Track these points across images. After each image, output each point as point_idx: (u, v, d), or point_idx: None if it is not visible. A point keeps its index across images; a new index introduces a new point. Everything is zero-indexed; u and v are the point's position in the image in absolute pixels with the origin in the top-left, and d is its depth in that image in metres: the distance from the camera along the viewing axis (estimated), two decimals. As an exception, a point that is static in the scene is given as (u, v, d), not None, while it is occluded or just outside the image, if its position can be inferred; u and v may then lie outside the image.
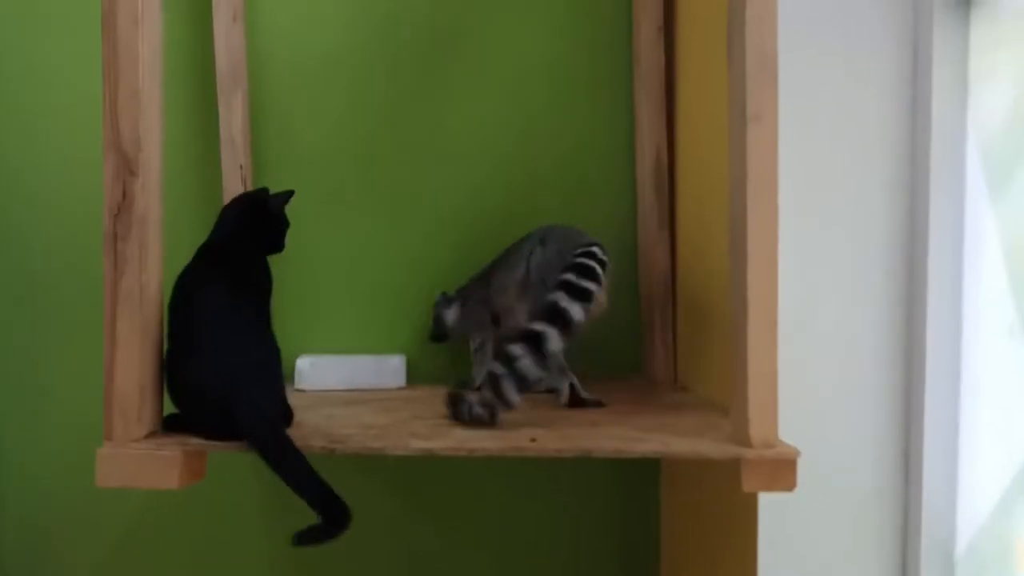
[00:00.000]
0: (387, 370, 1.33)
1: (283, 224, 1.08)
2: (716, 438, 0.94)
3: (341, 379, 1.31)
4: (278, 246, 1.07)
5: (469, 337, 1.33)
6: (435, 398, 1.22)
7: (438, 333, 1.35)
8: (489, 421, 0.98)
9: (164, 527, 1.41)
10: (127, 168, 0.85)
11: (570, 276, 1.06)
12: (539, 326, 1.00)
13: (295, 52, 1.41)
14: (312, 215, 1.39)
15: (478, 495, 1.44)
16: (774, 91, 0.90)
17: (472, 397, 1.01)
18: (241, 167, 1.33)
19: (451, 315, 1.34)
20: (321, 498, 0.84)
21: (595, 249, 1.11)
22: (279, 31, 1.41)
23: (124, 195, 0.85)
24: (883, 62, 1.04)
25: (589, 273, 1.07)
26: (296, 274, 1.39)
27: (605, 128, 1.43)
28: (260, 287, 1.01)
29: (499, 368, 0.98)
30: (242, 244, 1.02)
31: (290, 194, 1.10)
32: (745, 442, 0.89)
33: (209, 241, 1.02)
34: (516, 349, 0.98)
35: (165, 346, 0.93)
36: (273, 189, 1.36)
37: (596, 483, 1.43)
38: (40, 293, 1.41)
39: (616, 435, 0.96)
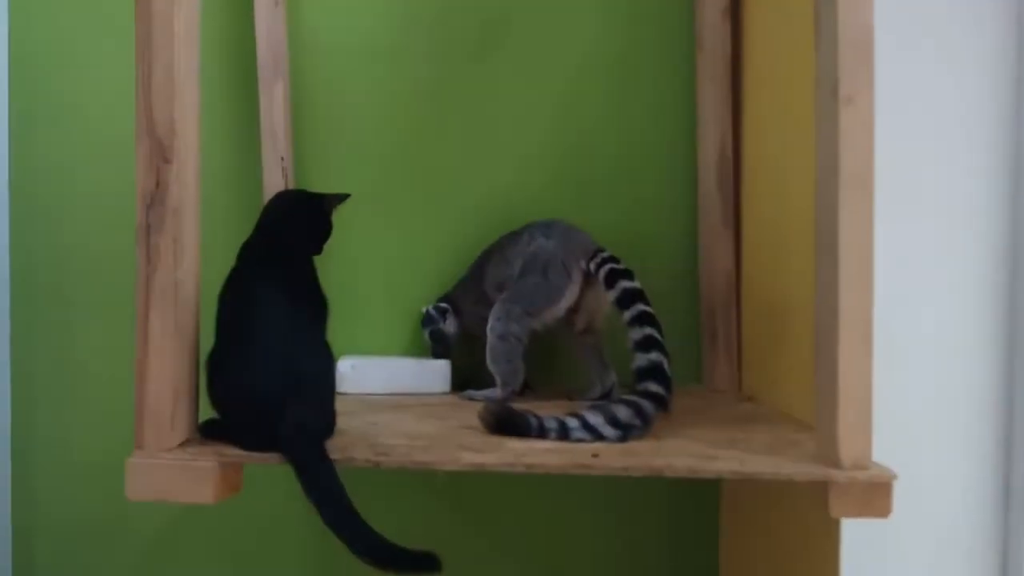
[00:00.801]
0: (431, 374, 1.26)
1: (331, 227, 1.02)
2: (798, 457, 0.85)
3: (383, 382, 1.24)
4: (321, 249, 1.01)
5: (474, 341, 1.23)
6: (480, 405, 1.16)
7: (440, 350, 1.28)
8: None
9: (198, 541, 1.36)
10: (161, 154, 0.79)
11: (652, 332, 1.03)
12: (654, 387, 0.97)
13: (339, 39, 1.34)
14: (355, 210, 1.31)
15: (519, 510, 1.36)
16: (870, 70, 0.81)
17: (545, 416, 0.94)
18: (282, 159, 1.27)
19: (450, 327, 1.27)
20: (352, 535, 0.76)
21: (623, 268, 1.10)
22: (322, 17, 1.35)
23: (157, 184, 0.79)
24: (984, 40, 0.93)
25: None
26: (338, 272, 1.32)
27: (664, 118, 1.34)
28: (317, 292, 0.95)
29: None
30: (296, 245, 0.96)
31: (345, 196, 1.05)
32: (834, 462, 0.80)
33: (260, 238, 0.96)
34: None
35: (202, 346, 0.87)
36: (315, 183, 1.32)
37: (649, 500, 1.33)
38: (75, 289, 1.37)
39: (686, 451, 0.87)
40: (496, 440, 0.90)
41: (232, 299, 0.87)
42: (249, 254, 0.92)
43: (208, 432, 0.87)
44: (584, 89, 1.35)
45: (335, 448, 0.83)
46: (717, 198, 1.26)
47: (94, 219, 1.35)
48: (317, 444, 0.80)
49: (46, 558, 1.37)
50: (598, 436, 0.91)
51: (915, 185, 0.92)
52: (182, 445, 0.83)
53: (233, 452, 0.82)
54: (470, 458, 0.81)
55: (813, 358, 0.85)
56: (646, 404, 0.94)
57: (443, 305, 1.27)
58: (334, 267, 1.31)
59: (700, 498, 1.33)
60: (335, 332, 1.29)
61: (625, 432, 0.91)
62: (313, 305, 0.91)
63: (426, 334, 1.28)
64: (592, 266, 1.12)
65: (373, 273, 1.34)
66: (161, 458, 0.79)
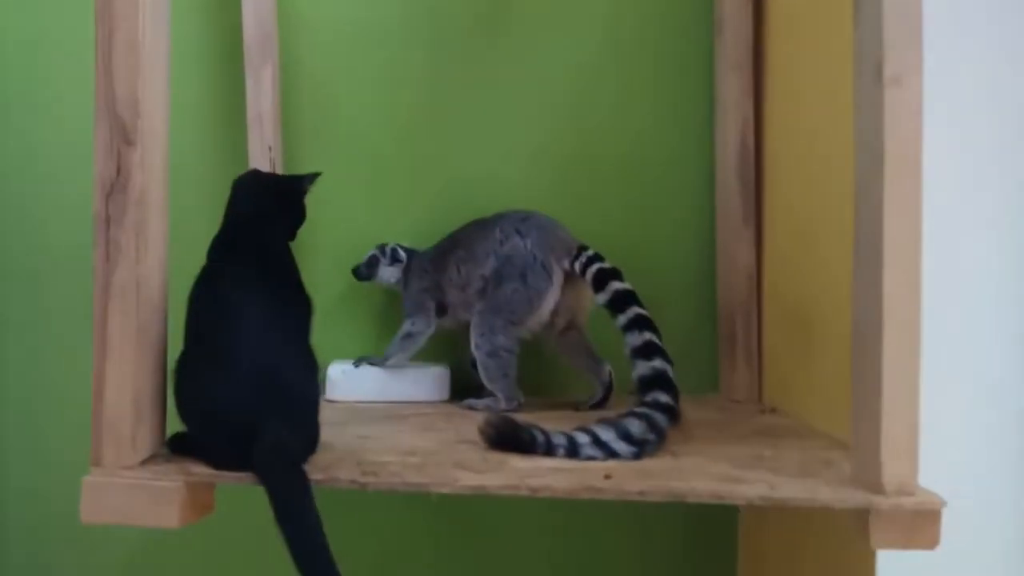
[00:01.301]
0: (428, 381, 1.17)
1: (304, 211, 0.94)
2: (833, 480, 0.77)
3: (377, 390, 1.16)
4: (294, 235, 0.93)
5: (457, 339, 1.17)
6: (481, 415, 1.07)
7: (364, 275, 1.19)
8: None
9: (169, 564, 1.27)
10: (122, 136, 0.70)
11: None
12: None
13: (331, 21, 1.26)
14: (346, 201, 1.25)
15: (522, 530, 1.26)
16: (918, 47, 0.72)
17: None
18: (270, 149, 1.18)
19: (388, 276, 1.19)
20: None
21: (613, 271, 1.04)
22: (313, -2, 1.26)
23: (118, 170, 0.70)
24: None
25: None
26: (328, 268, 1.24)
27: (680, 107, 1.25)
28: (297, 288, 0.86)
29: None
30: (268, 233, 0.87)
31: (316, 176, 0.97)
32: (876, 488, 0.72)
33: (227, 229, 0.87)
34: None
35: (171, 353, 0.78)
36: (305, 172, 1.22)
37: (661, 520, 1.24)
38: (49, 285, 1.28)
39: (708, 472, 0.78)
40: (498, 458, 0.81)
41: (200, 298, 0.78)
42: (218, 248, 0.83)
43: (177, 448, 0.78)
44: (593, 77, 1.26)
45: (318, 467, 0.75)
46: (737, 193, 1.17)
47: (69, 212, 1.26)
48: (294, 466, 0.71)
49: (19, 564, 1.29)
50: (610, 453, 0.83)
51: (968, 176, 0.83)
52: (145, 462, 0.74)
53: (202, 471, 0.73)
54: (468, 479, 0.73)
55: (843, 367, 0.77)
56: (659, 417, 0.86)
57: (402, 254, 1.18)
58: (323, 263, 1.24)
59: (716, 520, 1.23)
60: (324, 335, 1.19)
61: (640, 448, 0.84)
62: (293, 304, 0.82)
63: (366, 258, 1.19)
64: (577, 266, 1.06)
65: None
66: (121, 476, 0.71)
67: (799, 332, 1.07)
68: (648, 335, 0.96)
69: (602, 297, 1.02)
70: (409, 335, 1.15)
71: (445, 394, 1.17)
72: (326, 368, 1.16)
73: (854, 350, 0.76)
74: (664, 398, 0.89)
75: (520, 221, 1.11)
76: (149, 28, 0.71)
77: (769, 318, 1.17)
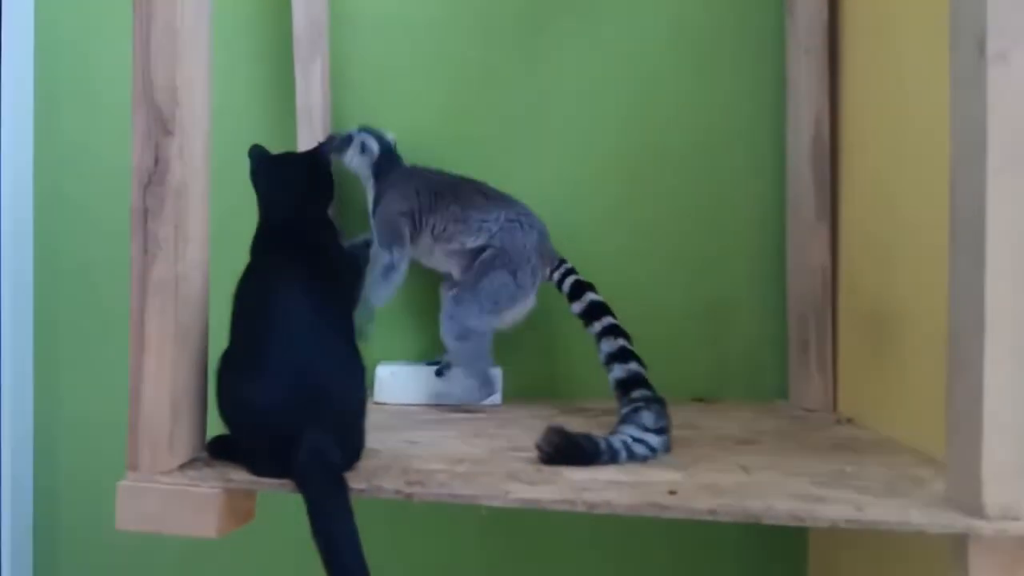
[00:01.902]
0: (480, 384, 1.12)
1: (332, 180, 0.89)
2: (925, 500, 0.69)
3: (426, 392, 1.12)
4: (326, 207, 0.88)
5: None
6: (535, 420, 1.02)
7: (332, 147, 1.05)
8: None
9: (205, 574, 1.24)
10: (160, 126, 0.67)
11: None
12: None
13: (381, 13, 1.22)
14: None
15: (575, 544, 1.20)
16: (1026, 20, 0.63)
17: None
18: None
19: (356, 165, 1.13)
20: None
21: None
22: (366, -12, 1.23)
23: (156, 160, 0.67)
24: None
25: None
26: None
27: (747, 93, 1.18)
28: (345, 275, 0.85)
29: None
30: (315, 216, 0.84)
31: (331, 140, 0.95)
32: (976, 510, 0.64)
33: (272, 214, 0.83)
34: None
35: (213, 352, 0.75)
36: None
37: (723, 538, 1.16)
38: (95, 285, 1.28)
39: (785, 490, 0.71)
40: (552, 471, 0.75)
41: (240, 294, 0.75)
42: (257, 240, 0.80)
43: (216, 451, 0.75)
44: (657, 65, 1.19)
45: (362, 475, 0.70)
46: (811, 185, 1.09)
47: (119, 205, 1.26)
48: (334, 476, 0.67)
49: (69, 567, 1.29)
50: (649, 448, 0.83)
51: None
52: (183, 467, 0.71)
53: (242, 477, 0.69)
54: (520, 492, 0.68)
55: (930, 373, 0.70)
56: (658, 407, 0.89)
57: (374, 148, 1.12)
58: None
59: (784, 538, 1.15)
60: (375, 334, 1.19)
61: (666, 436, 0.86)
62: (336, 300, 0.78)
63: (345, 134, 1.12)
64: (556, 275, 1.07)
65: (415, 270, 1.21)
66: (157, 482, 0.68)
67: (879, 335, 0.98)
68: (622, 341, 0.99)
69: (577, 307, 1.04)
70: (391, 267, 1.08)
71: (497, 397, 1.12)
72: (374, 369, 1.12)
73: (949, 356, 0.68)
74: (649, 393, 0.92)
75: (526, 215, 1.08)
76: (189, 14, 0.68)
77: (844, 320, 1.09)
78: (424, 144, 1.21)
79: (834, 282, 1.10)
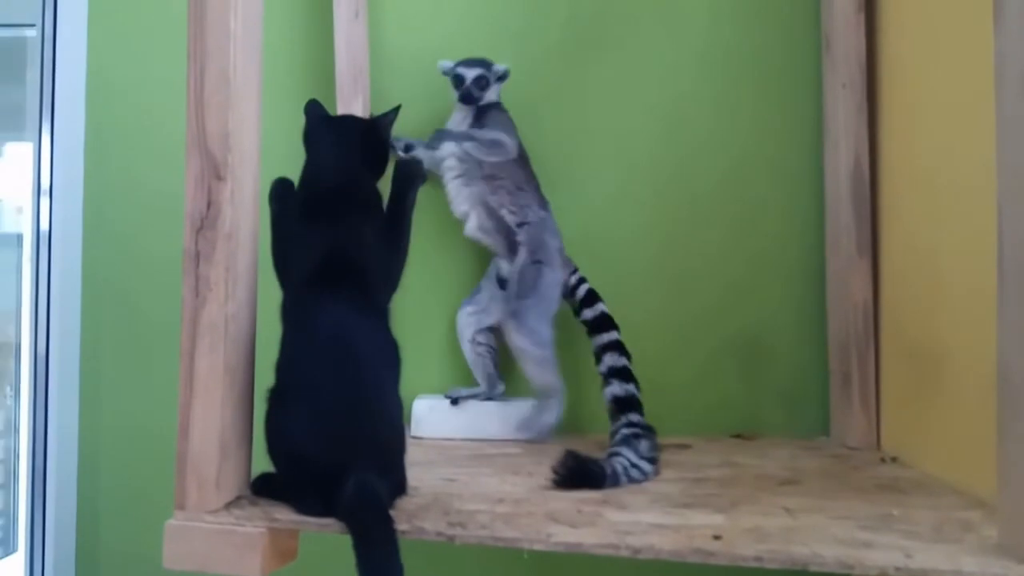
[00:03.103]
0: (517, 417, 1.12)
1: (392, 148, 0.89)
2: (977, 547, 0.67)
3: (464, 427, 1.12)
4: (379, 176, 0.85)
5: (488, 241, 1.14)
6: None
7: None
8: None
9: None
10: (213, 171, 0.69)
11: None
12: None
13: (422, 52, 1.24)
14: (436, 232, 1.22)
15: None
16: (1074, 55, 0.63)
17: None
18: (359, 180, 1.17)
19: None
20: None
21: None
22: (405, 29, 1.26)
23: (209, 205, 0.69)
24: None
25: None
26: (415, 302, 1.21)
27: (785, 127, 1.18)
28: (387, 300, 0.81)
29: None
30: (363, 189, 0.81)
31: (395, 112, 0.87)
32: (1027, 558, 0.62)
33: (318, 180, 0.80)
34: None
35: (259, 392, 0.76)
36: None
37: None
38: (147, 309, 1.30)
39: (830, 535, 0.70)
40: (592, 510, 0.75)
41: (286, 327, 0.75)
42: (297, 212, 0.78)
43: (261, 489, 0.76)
44: (692, 96, 1.20)
45: (403, 515, 0.71)
46: (851, 220, 1.08)
47: (168, 236, 1.29)
48: (383, 515, 0.67)
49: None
50: (643, 472, 0.89)
51: None
52: (228, 506, 0.72)
53: (286, 516, 0.70)
54: (562, 536, 0.67)
55: (978, 411, 0.68)
56: (652, 437, 0.96)
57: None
58: (412, 296, 1.21)
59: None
60: (412, 368, 1.19)
61: (656, 464, 0.92)
62: (382, 331, 0.77)
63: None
64: (573, 279, 1.11)
65: (453, 302, 1.22)
66: (203, 521, 0.69)
67: (923, 371, 0.96)
68: (625, 360, 1.03)
69: (589, 313, 1.07)
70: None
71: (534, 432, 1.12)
72: (411, 403, 1.13)
73: (1000, 396, 0.67)
74: (642, 419, 0.99)
75: (552, 220, 1.12)
76: (240, 62, 0.70)
77: (887, 355, 1.07)
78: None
79: (876, 317, 1.09)
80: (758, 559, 0.64)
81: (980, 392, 0.80)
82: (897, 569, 0.63)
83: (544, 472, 0.92)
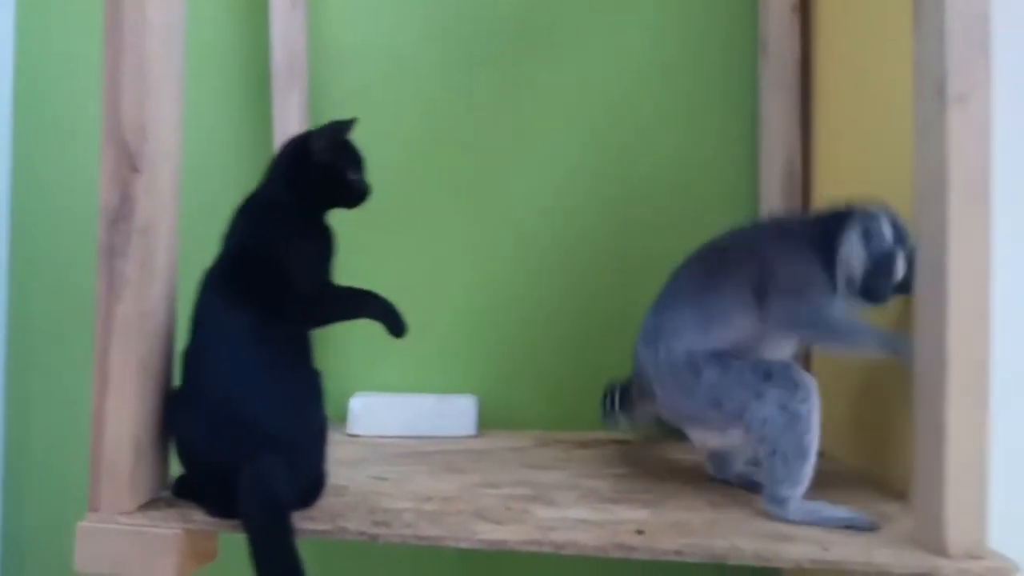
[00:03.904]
0: (455, 414, 1.12)
1: (340, 166, 0.78)
2: (892, 539, 0.69)
3: (400, 424, 1.11)
4: (346, 196, 0.79)
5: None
6: (511, 451, 1.02)
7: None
8: None
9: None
10: (128, 163, 0.67)
11: None
12: None
13: (362, 44, 1.23)
14: (375, 229, 1.21)
15: None
16: (985, 62, 0.66)
17: None
18: (295, 174, 1.15)
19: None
20: None
21: None
22: (344, 20, 1.23)
23: (123, 198, 0.67)
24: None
25: None
26: (353, 298, 1.20)
27: (721, 130, 1.19)
28: (305, 272, 0.75)
29: None
30: (281, 212, 0.75)
31: (346, 125, 0.81)
32: (940, 550, 0.65)
33: (239, 212, 0.77)
34: None
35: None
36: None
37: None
38: (72, 313, 1.26)
39: (751, 528, 0.71)
40: (521, 508, 0.75)
41: (193, 319, 0.72)
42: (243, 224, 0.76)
43: (182, 491, 0.74)
44: (629, 97, 1.21)
45: (326, 515, 0.70)
46: (782, 219, 1.10)
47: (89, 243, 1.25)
48: (276, 512, 0.64)
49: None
50: None
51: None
52: (144, 508, 0.70)
53: (203, 518, 0.68)
54: (487, 533, 0.67)
55: (898, 407, 0.70)
56: None
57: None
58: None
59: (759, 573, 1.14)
60: (347, 365, 1.18)
61: None
62: (291, 320, 0.71)
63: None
64: None
65: (393, 298, 1.20)
66: (116, 523, 0.67)
67: (847, 368, 0.99)
68: None
69: None
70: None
71: (471, 428, 1.12)
72: (348, 401, 1.12)
73: (915, 394, 0.69)
74: None
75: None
76: (159, 51, 0.68)
77: (817, 353, 1.09)
78: (399, 174, 1.22)
79: (807, 315, 1.10)
80: (678, 553, 0.65)
81: (900, 387, 0.82)
82: (812, 561, 0.65)
83: (481, 469, 0.92)
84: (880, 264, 0.80)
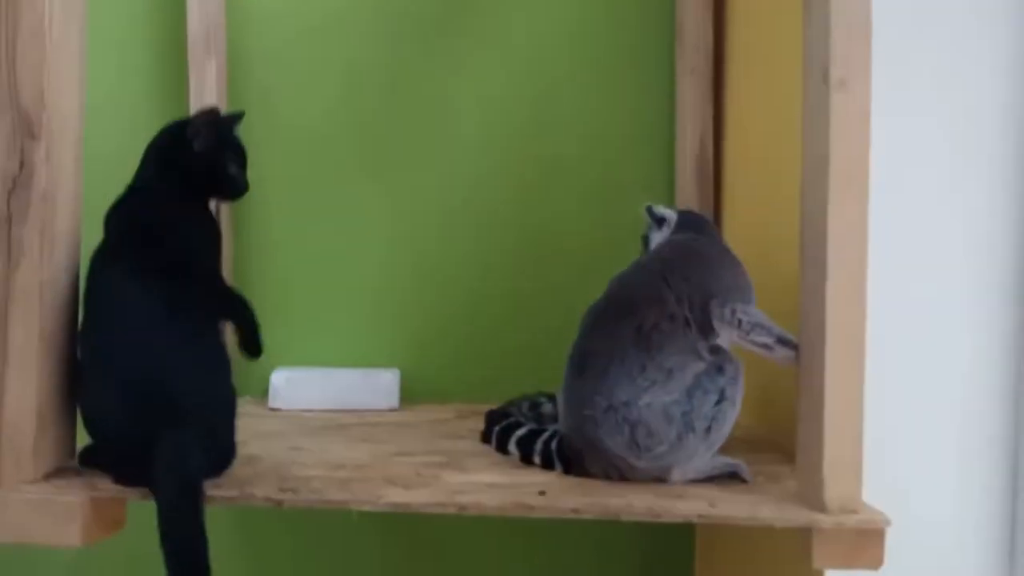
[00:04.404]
0: (377, 387, 1.14)
1: (221, 159, 0.79)
2: (778, 497, 0.74)
3: (323, 397, 1.12)
4: (225, 190, 0.81)
5: None
6: (432, 423, 1.04)
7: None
8: None
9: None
10: (26, 130, 0.66)
11: None
12: None
13: (281, 13, 1.22)
14: (295, 204, 1.21)
15: (470, 549, 1.21)
16: (866, 50, 0.70)
17: None
18: (214, 147, 1.14)
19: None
20: None
21: None
22: (264, -12, 1.22)
23: (21, 165, 0.66)
24: (996, 17, 0.82)
25: None
26: (275, 272, 1.20)
27: (638, 111, 1.22)
28: (198, 254, 0.76)
29: None
30: (164, 196, 0.76)
31: (232, 117, 0.84)
32: (818, 506, 0.69)
33: (122, 199, 0.77)
34: None
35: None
36: (250, 172, 1.18)
37: (615, 543, 1.21)
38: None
39: (647, 488, 0.75)
40: (431, 474, 0.77)
41: (86, 293, 0.72)
42: (118, 215, 0.75)
43: (87, 460, 0.73)
44: (551, 77, 1.23)
45: (235, 482, 0.71)
46: (695, 199, 1.15)
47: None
48: (191, 488, 0.66)
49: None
50: None
51: (916, 182, 0.81)
52: (48, 476, 0.70)
53: (108, 486, 0.69)
54: (392, 496, 0.69)
55: (793, 372, 0.74)
56: None
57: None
58: (272, 265, 1.20)
59: (673, 533, 1.20)
60: (271, 339, 1.17)
61: None
62: (196, 295, 0.73)
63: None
64: None
65: (313, 272, 1.21)
66: (20, 492, 0.66)
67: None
68: None
69: None
70: None
71: (394, 401, 1.13)
72: (270, 376, 1.12)
73: (799, 362, 0.74)
74: None
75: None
76: (58, 18, 0.67)
77: (725, 326, 1.14)
78: (321, 146, 1.22)
79: (716, 290, 1.15)
80: (575, 511, 0.68)
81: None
82: (700, 516, 0.69)
83: (399, 440, 0.94)
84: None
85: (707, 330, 0.79)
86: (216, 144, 0.78)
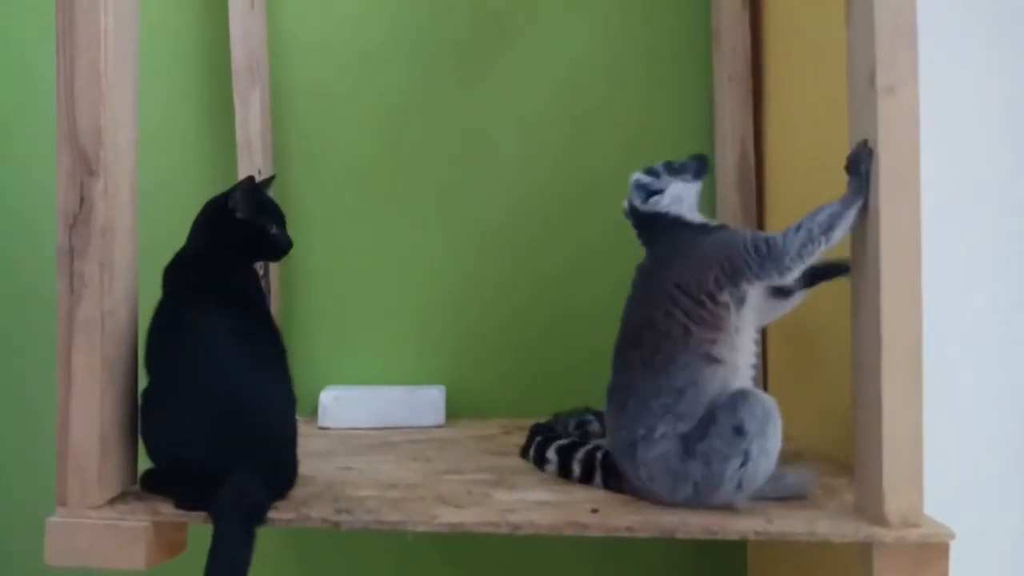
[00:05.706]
0: (423, 404, 1.14)
1: (258, 224, 0.82)
2: (836, 510, 0.72)
3: (370, 415, 1.13)
4: (269, 250, 0.85)
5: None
6: (477, 439, 1.04)
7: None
8: None
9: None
10: (85, 167, 0.68)
11: None
12: None
13: (321, 43, 1.24)
14: (339, 226, 1.23)
15: (513, 567, 1.21)
16: (913, 55, 0.69)
17: None
18: (260, 172, 1.17)
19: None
20: None
21: None
22: (303, 19, 1.25)
23: (81, 201, 0.68)
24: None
25: None
26: (322, 293, 1.22)
27: (677, 120, 1.22)
28: (267, 316, 0.81)
29: None
30: (223, 257, 0.81)
31: (265, 182, 0.89)
32: (879, 520, 0.68)
33: (184, 257, 0.82)
34: None
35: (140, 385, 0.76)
36: (295, 198, 1.21)
37: (665, 557, 1.19)
38: (25, 325, 1.26)
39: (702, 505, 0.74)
40: (482, 493, 0.77)
41: (160, 330, 0.75)
42: (174, 277, 0.80)
43: (149, 485, 0.76)
44: (587, 89, 1.23)
45: (291, 504, 0.72)
46: (737, 205, 1.14)
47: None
48: (252, 520, 0.68)
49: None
50: None
51: (968, 186, 0.79)
52: (113, 501, 0.72)
53: (171, 510, 0.70)
54: (446, 516, 0.69)
55: (843, 385, 0.73)
56: None
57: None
58: (318, 287, 1.22)
59: (725, 554, 1.18)
60: (318, 359, 1.20)
61: None
62: (264, 331, 0.78)
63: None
64: None
65: (359, 294, 1.23)
66: (86, 517, 0.68)
67: (803, 352, 1.02)
68: None
69: None
70: None
71: (440, 417, 1.14)
72: (318, 394, 1.13)
73: (854, 374, 0.72)
74: None
75: None
76: (113, 57, 0.70)
77: (772, 337, 1.13)
78: (364, 172, 1.23)
79: (762, 299, 1.14)
80: (630, 529, 0.68)
81: (847, 367, 0.86)
82: (757, 533, 0.68)
83: (447, 457, 0.94)
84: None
85: (740, 297, 0.74)
86: (256, 210, 0.82)
